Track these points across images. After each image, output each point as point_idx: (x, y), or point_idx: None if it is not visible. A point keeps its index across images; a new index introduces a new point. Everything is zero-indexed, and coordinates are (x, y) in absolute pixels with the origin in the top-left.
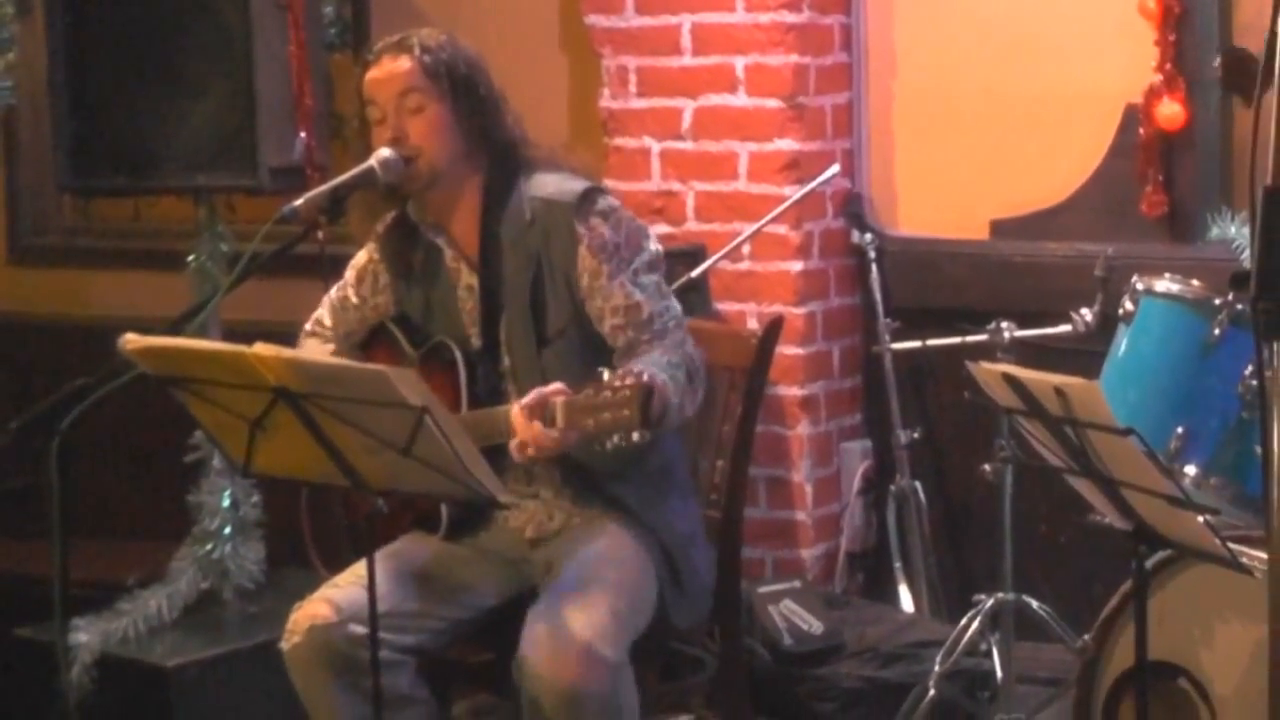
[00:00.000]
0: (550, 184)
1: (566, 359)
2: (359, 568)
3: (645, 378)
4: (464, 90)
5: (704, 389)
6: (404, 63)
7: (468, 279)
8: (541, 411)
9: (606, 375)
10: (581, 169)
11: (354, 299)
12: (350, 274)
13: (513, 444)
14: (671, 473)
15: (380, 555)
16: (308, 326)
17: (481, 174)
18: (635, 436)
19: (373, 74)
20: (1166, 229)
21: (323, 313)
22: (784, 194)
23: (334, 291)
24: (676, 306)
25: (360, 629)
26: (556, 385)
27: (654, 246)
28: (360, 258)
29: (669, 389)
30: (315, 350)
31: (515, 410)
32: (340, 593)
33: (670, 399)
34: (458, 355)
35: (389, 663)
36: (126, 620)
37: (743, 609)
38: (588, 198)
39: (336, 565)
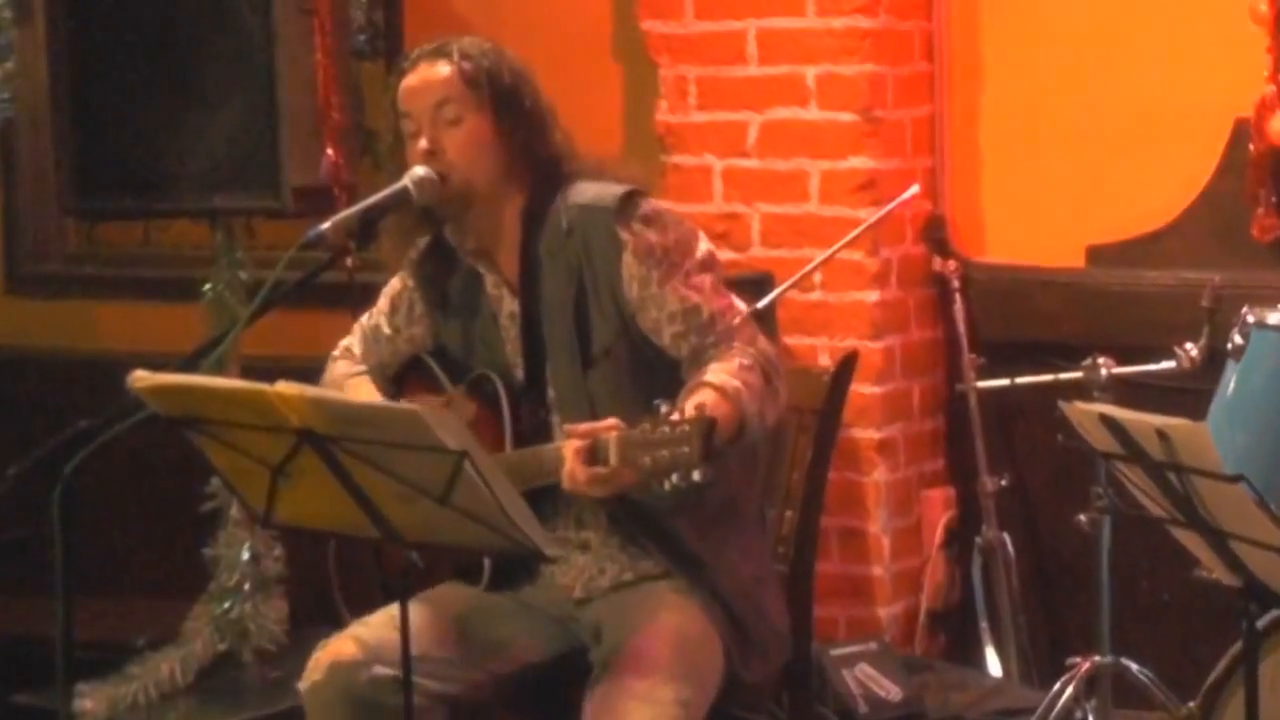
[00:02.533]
0: (589, 190)
1: (615, 382)
2: (393, 608)
3: (708, 410)
4: (507, 102)
5: (786, 391)
6: (442, 69)
7: (510, 306)
8: (594, 450)
9: (664, 408)
10: (629, 180)
11: (387, 329)
12: (384, 301)
13: (564, 471)
14: (736, 506)
15: (415, 600)
16: (335, 353)
17: (524, 194)
18: (696, 476)
19: (408, 82)
20: (1279, 255)
21: (352, 340)
22: (859, 217)
23: (365, 319)
24: (739, 303)
25: (387, 670)
26: (610, 420)
27: (706, 245)
28: (395, 284)
29: (744, 396)
30: (347, 377)
31: (568, 449)
32: (369, 631)
33: (747, 407)
34: (500, 389)
35: (418, 709)
36: (136, 685)
37: (814, 673)
38: (629, 200)
39: None
